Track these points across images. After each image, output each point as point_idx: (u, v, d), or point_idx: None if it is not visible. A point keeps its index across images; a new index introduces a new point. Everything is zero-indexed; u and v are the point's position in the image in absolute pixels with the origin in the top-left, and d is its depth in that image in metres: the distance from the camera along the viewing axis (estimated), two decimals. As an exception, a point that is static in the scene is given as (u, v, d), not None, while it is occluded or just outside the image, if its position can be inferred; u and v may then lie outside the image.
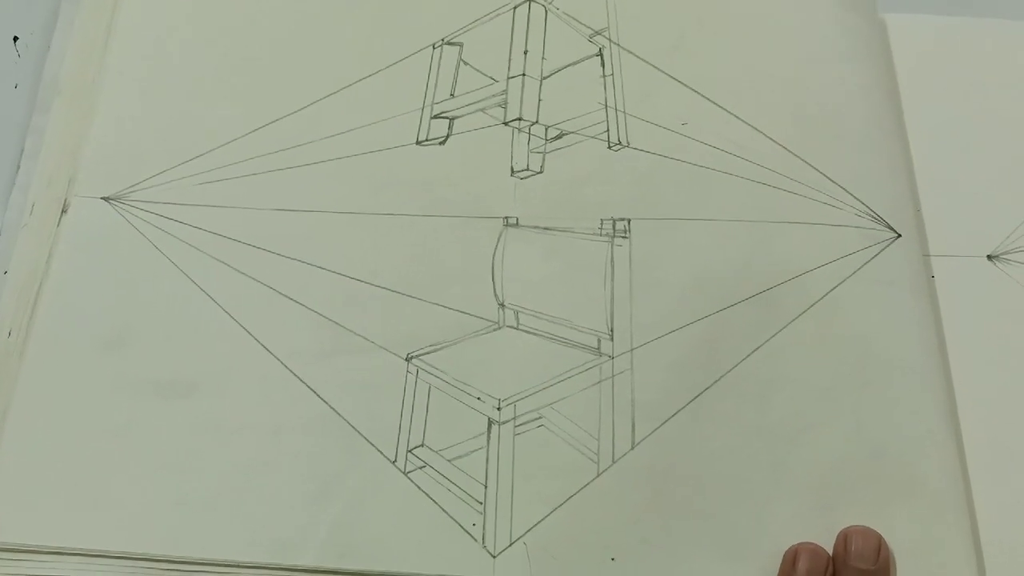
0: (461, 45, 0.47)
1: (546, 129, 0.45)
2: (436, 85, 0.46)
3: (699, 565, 0.37)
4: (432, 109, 0.46)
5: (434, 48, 0.47)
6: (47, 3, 0.49)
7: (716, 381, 0.40)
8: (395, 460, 0.38)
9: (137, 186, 0.43)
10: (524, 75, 0.46)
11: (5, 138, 0.46)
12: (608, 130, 0.45)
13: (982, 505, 0.38)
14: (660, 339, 0.40)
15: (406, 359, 0.40)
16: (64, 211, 0.43)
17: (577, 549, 0.37)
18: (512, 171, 0.44)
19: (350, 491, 0.38)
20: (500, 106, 0.46)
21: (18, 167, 0.45)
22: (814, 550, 0.36)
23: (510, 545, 0.37)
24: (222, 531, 0.37)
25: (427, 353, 0.40)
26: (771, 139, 0.45)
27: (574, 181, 0.44)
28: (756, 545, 0.37)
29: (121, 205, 0.43)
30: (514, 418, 0.39)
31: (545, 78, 0.46)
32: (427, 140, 0.45)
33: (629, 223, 0.43)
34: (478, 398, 0.39)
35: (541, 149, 0.45)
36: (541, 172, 0.44)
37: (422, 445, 0.39)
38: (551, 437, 0.39)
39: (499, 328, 0.41)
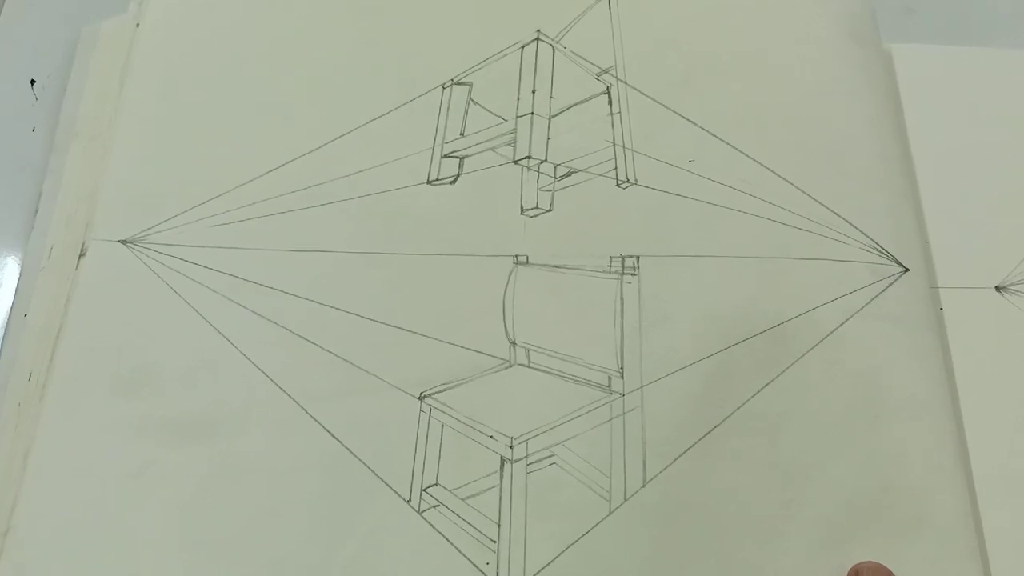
0: (470, 85, 0.48)
1: (555, 167, 0.46)
2: (446, 125, 0.47)
3: (711, 602, 0.37)
4: (442, 148, 0.46)
5: (444, 88, 0.48)
6: (63, 46, 0.50)
7: (726, 418, 0.40)
8: (409, 499, 0.39)
9: (153, 229, 0.44)
10: (533, 114, 0.47)
11: (24, 181, 0.47)
12: (616, 167, 0.46)
13: (992, 540, 0.38)
14: (670, 376, 0.41)
15: (419, 398, 0.40)
16: (82, 254, 0.43)
17: (590, 587, 0.37)
18: (522, 209, 0.45)
19: (364, 530, 0.38)
20: (509, 145, 0.46)
21: (36, 210, 0.45)
22: (826, 587, 0.37)
23: (524, 584, 0.37)
24: (238, 571, 0.37)
25: (439, 392, 0.41)
26: (777, 175, 0.45)
27: (583, 219, 0.44)
28: (768, 582, 0.37)
29: (138, 248, 0.43)
30: (526, 456, 0.39)
31: (553, 116, 0.47)
32: (438, 179, 0.45)
33: (638, 260, 0.43)
34: (491, 436, 0.39)
35: (550, 187, 0.45)
36: (550, 210, 0.45)
37: (436, 484, 0.39)
38: (563, 475, 0.39)
39: (510, 366, 0.42)
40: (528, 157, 0.46)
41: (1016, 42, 0.51)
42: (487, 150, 0.46)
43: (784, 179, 0.45)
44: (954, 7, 0.53)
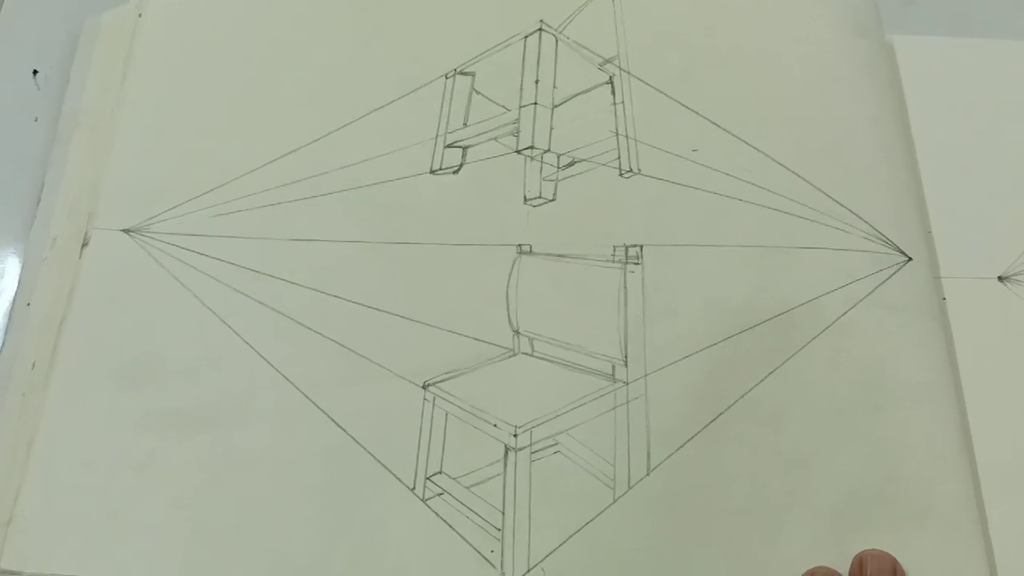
0: (473, 75, 0.48)
1: (558, 157, 0.46)
2: (449, 114, 0.47)
3: (715, 590, 0.37)
4: (445, 138, 0.46)
5: (447, 78, 0.48)
6: (66, 37, 0.50)
7: (730, 406, 0.40)
8: (413, 487, 0.39)
9: (156, 218, 0.44)
10: (536, 104, 0.47)
11: (26, 171, 0.47)
12: (619, 157, 0.46)
13: (996, 528, 0.38)
14: (674, 365, 0.41)
15: (423, 387, 0.40)
16: (85, 244, 0.43)
17: (594, 575, 0.37)
18: (525, 199, 0.45)
19: (369, 518, 0.38)
20: (512, 135, 0.46)
21: (39, 200, 0.45)
22: (830, 574, 0.37)
23: (528, 572, 0.37)
24: (242, 561, 0.37)
25: (443, 380, 0.41)
26: (781, 164, 0.45)
27: (586, 208, 0.44)
28: (771, 570, 0.37)
29: (141, 237, 0.43)
30: (530, 444, 0.39)
31: (556, 106, 0.47)
32: (441, 169, 0.45)
33: (641, 249, 0.43)
34: (494, 425, 0.40)
35: (553, 177, 0.45)
36: (554, 200, 0.45)
37: (440, 472, 0.39)
38: (567, 463, 0.39)
39: (514, 355, 0.42)
40: (531, 147, 0.46)
41: (1016, 34, 0.51)
42: (490, 140, 0.46)
43: (788, 168, 0.45)
44: (953, -1, 0.53)
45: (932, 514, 0.38)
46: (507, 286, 0.43)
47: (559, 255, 0.43)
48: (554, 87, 0.47)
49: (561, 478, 0.39)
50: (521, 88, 0.47)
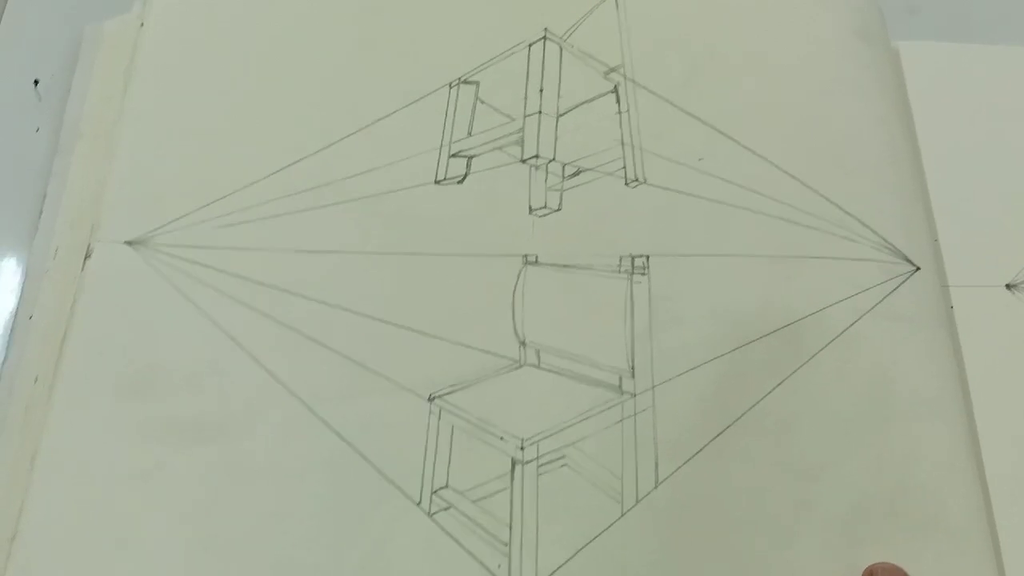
0: (477, 84, 0.48)
1: (563, 166, 0.45)
2: (453, 124, 0.46)
3: (724, 604, 0.37)
4: (450, 148, 0.46)
5: (451, 87, 0.47)
6: (67, 46, 0.50)
7: (738, 418, 0.40)
8: (419, 502, 0.38)
9: (159, 230, 0.44)
10: (540, 113, 0.47)
11: (28, 182, 0.46)
12: (625, 166, 0.45)
13: (1006, 539, 0.38)
14: (681, 376, 0.41)
15: (428, 399, 0.40)
16: (88, 256, 0.43)
17: (602, 589, 0.37)
18: (530, 209, 0.44)
19: (374, 533, 0.38)
20: (517, 144, 0.46)
21: (41, 212, 0.45)
22: (840, 587, 0.36)
23: (536, 586, 0.37)
24: (247, 574, 0.37)
25: (449, 393, 0.40)
26: (787, 173, 0.45)
27: (592, 218, 0.44)
28: (781, 583, 0.37)
29: (144, 249, 0.43)
30: (537, 458, 0.39)
31: (561, 115, 0.47)
32: (446, 179, 0.45)
33: (648, 259, 0.43)
34: (501, 438, 0.39)
35: (559, 186, 0.45)
36: (559, 209, 0.44)
37: (446, 486, 0.39)
38: (575, 477, 0.39)
39: (520, 366, 0.41)
40: (536, 156, 0.46)
41: (1022, 39, 0.51)
42: (495, 149, 0.46)
43: (794, 177, 0.45)
44: (957, 6, 0.53)
45: (942, 525, 0.38)
46: (513, 297, 0.42)
47: (565, 265, 0.43)
48: (559, 96, 0.47)
49: (568, 492, 0.38)
50: (526, 97, 0.47)
